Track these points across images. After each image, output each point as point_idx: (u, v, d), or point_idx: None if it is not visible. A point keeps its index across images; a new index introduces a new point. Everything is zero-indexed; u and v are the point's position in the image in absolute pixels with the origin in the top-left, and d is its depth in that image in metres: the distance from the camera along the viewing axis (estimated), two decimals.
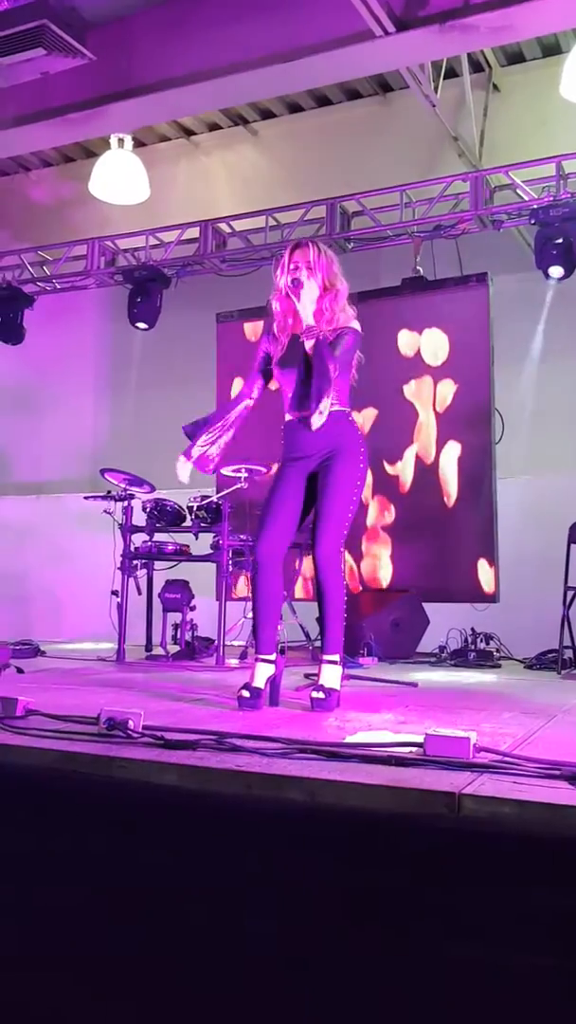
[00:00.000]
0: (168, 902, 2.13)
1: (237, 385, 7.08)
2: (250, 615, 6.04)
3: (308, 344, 3.48)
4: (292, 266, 3.58)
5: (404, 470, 6.64)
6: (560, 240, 6.03)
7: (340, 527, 3.52)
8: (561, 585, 5.35)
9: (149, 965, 2.10)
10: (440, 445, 6.53)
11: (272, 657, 3.50)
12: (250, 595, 3.67)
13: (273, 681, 3.50)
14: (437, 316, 6.59)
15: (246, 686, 3.42)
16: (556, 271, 6.11)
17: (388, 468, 6.65)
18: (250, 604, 6.00)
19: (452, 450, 6.48)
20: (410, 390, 6.64)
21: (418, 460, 6.61)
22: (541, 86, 6.83)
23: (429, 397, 6.58)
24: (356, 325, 3.61)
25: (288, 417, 3.65)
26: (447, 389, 6.52)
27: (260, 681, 3.45)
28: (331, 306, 3.55)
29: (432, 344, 6.60)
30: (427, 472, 6.56)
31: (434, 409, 6.57)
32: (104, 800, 2.35)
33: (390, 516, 6.68)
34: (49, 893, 2.30)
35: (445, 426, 6.52)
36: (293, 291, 3.52)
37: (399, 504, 6.64)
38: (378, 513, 6.70)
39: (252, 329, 7.16)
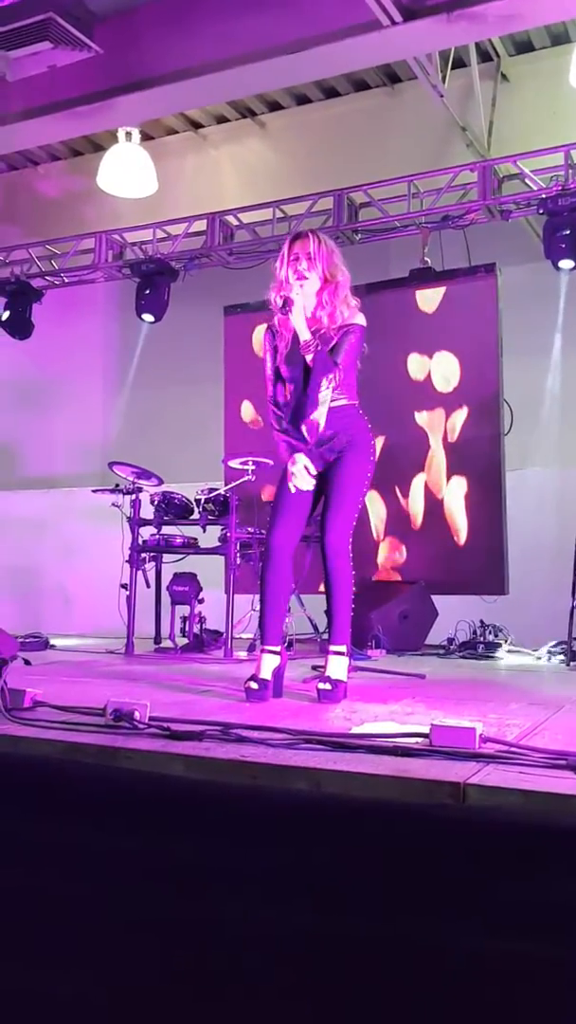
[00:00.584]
0: (174, 893, 2.14)
1: (246, 408, 7.11)
2: (258, 608, 6.09)
3: (308, 358, 3.48)
4: (292, 257, 3.57)
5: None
6: (568, 230, 5.99)
7: (349, 519, 3.53)
8: (570, 576, 5.33)
9: (153, 957, 2.11)
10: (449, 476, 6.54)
11: (278, 649, 3.51)
12: (258, 587, 3.67)
13: (277, 673, 3.50)
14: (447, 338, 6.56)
15: (253, 677, 3.42)
16: (566, 264, 6.08)
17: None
18: (257, 597, 6.05)
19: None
20: (422, 418, 6.64)
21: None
22: (550, 75, 6.78)
23: (441, 425, 6.57)
24: (360, 319, 3.58)
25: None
26: (458, 419, 6.51)
27: (267, 672, 3.45)
28: (331, 299, 3.53)
29: (442, 368, 6.57)
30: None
31: (444, 440, 6.56)
32: (110, 791, 2.35)
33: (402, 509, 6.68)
34: (56, 884, 2.30)
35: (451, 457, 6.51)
36: (287, 309, 3.49)
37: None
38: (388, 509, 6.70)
39: (260, 321, 7.15)
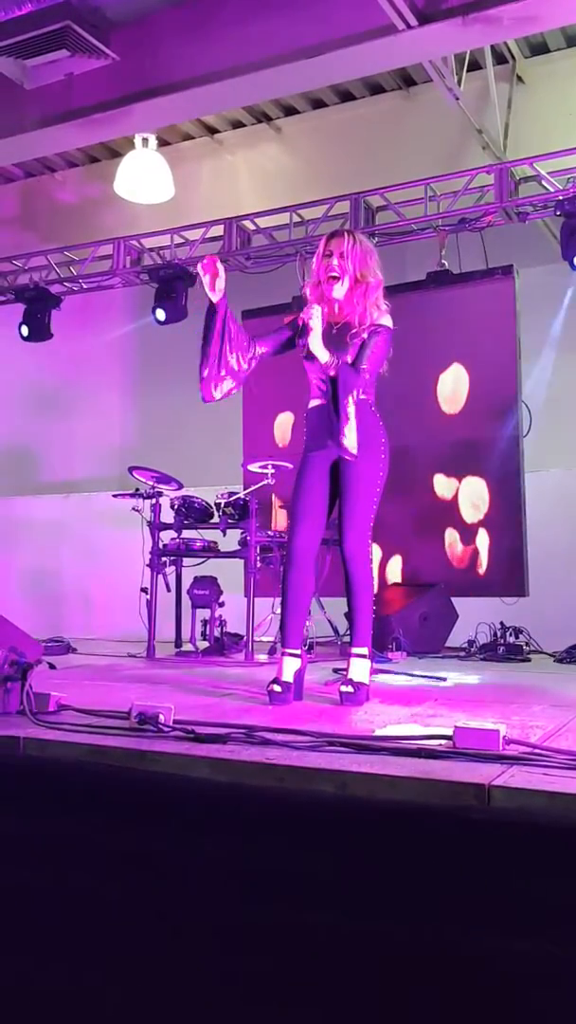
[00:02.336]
0: (200, 895, 2.15)
1: (280, 420, 7.11)
2: (278, 611, 6.10)
3: (332, 372, 3.50)
4: (325, 253, 3.59)
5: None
6: None
7: (366, 520, 3.53)
8: None
9: (177, 958, 2.12)
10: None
11: (299, 652, 3.52)
12: (279, 590, 3.68)
13: (298, 675, 3.51)
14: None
15: (275, 680, 3.44)
16: None
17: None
18: (277, 600, 6.06)
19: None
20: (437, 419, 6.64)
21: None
22: (566, 77, 6.79)
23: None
24: (388, 321, 3.59)
25: (312, 404, 3.65)
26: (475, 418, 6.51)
27: (288, 675, 3.46)
28: (362, 300, 3.54)
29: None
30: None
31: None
32: (136, 793, 2.37)
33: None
34: (83, 885, 2.32)
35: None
36: (304, 333, 3.53)
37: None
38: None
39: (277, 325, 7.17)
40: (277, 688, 3.40)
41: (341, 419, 3.44)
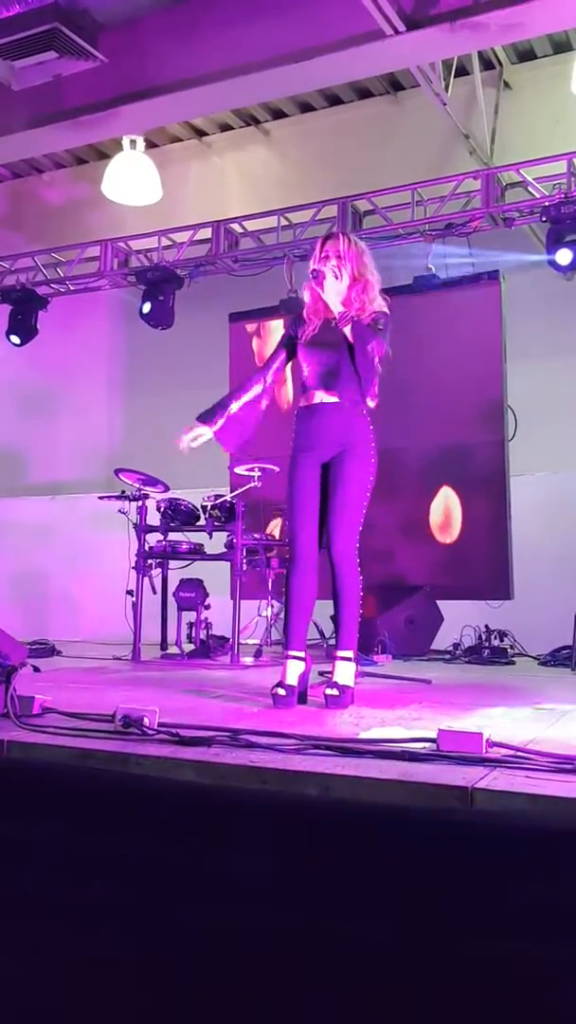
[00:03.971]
0: (185, 898, 2.15)
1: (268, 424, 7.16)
2: (264, 613, 6.11)
3: (346, 329, 3.50)
4: (323, 255, 3.62)
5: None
6: (572, 237, 6.01)
7: (354, 523, 3.54)
8: (575, 581, 5.35)
9: (162, 962, 2.12)
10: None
11: (303, 654, 3.51)
12: (283, 592, 3.68)
13: (302, 678, 3.51)
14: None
15: (280, 684, 3.42)
16: (564, 255, 5.98)
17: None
18: (263, 603, 6.07)
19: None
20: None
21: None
22: (552, 83, 6.82)
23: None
24: (387, 312, 3.64)
25: (304, 403, 3.66)
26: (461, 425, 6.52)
27: (293, 678, 3.46)
28: (360, 296, 3.57)
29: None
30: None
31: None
32: (120, 796, 2.37)
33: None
34: (66, 890, 2.32)
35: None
36: (316, 283, 3.56)
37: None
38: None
39: (265, 328, 7.18)
40: (281, 691, 3.39)
41: (365, 371, 3.51)
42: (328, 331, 3.59)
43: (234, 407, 3.73)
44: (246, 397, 3.75)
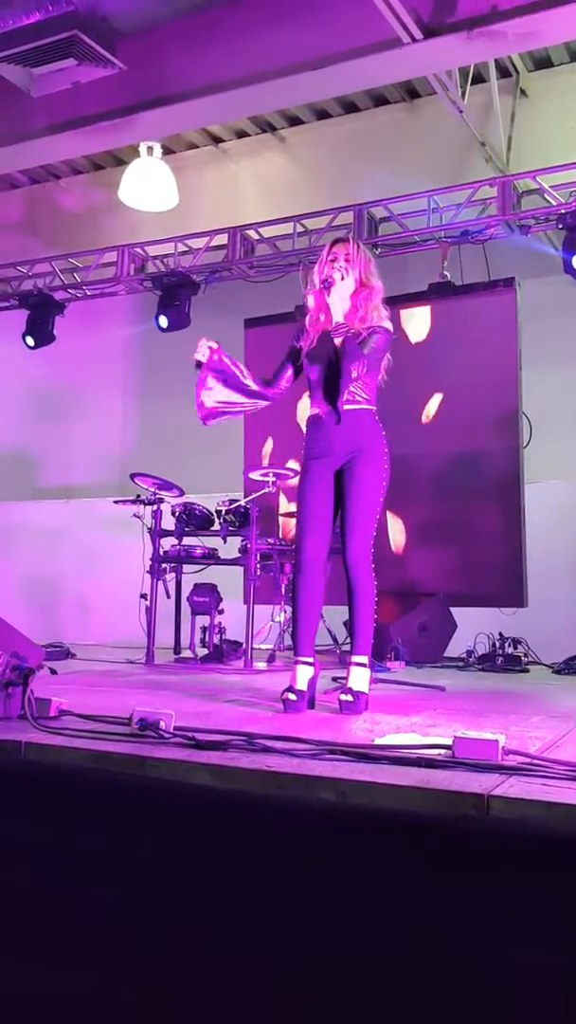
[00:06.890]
0: (201, 902, 2.16)
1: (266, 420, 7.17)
2: (278, 619, 6.11)
3: (337, 341, 3.54)
4: (331, 258, 3.65)
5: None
6: None
7: (368, 529, 3.55)
8: None
9: (177, 964, 2.13)
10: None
11: (311, 660, 3.52)
12: (290, 598, 3.71)
13: (311, 683, 3.52)
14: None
15: (290, 689, 3.44)
16: None
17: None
18: (277, 608, 6.08)
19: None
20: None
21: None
22: (569, 90, 6.83)
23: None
24: (388, 325, 3.65)
25: (313, 411, 3.69)
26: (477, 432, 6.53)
27: (302, 683, 3.47)
28: (364, 304, 3.60)
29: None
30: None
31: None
32: (136, 799, 2.38)
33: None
34: (82, 891, 2.33)
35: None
36: (326, 289, 3.59)
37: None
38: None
39: (280, 334, 7.18)
40: (292, 696, 3.41)
41: (343, 383, 3.53)
42: (327, 342, 3.62)
43: (243, 390, 3.92)
44: (253, 388, 3.90)
